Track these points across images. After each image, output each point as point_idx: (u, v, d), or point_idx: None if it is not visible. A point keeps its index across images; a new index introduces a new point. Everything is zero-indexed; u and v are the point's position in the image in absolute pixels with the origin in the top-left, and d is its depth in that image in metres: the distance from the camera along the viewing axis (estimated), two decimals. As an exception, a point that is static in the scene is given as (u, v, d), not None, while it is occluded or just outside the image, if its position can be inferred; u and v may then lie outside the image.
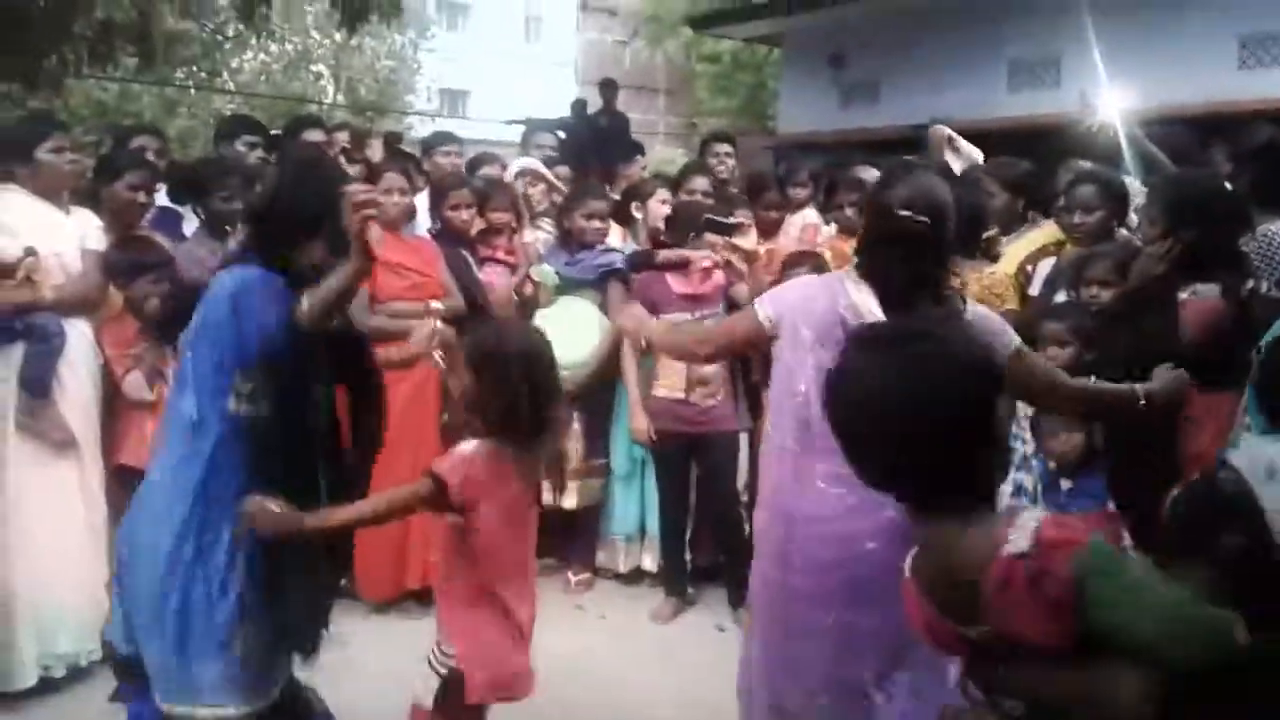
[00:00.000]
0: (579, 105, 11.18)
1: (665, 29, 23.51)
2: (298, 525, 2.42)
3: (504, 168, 5.76)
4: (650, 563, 4.90)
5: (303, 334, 2.55)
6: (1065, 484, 3.42)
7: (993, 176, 4.45)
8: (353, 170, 5.14)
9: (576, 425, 4.73)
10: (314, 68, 20.95)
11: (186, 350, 2.63)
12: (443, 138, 6.19)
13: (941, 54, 10.08)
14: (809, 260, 4.34)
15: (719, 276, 4.51)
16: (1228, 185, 3.61)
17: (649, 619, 4.57)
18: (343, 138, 6.53)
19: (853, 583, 2.47)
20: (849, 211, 4.85)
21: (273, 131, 5.97)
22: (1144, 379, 2.59)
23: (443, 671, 2.55)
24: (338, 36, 18.65)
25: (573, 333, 4.59)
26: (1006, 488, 3.66)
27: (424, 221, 5.07)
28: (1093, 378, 2.96)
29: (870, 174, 5.37)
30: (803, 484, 2.55)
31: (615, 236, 5.17)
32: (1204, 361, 2.90)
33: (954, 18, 9.63)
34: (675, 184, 5.28)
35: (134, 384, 3.86)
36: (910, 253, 2.46)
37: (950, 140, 4.77)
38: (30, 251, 3.70)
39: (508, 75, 27.73)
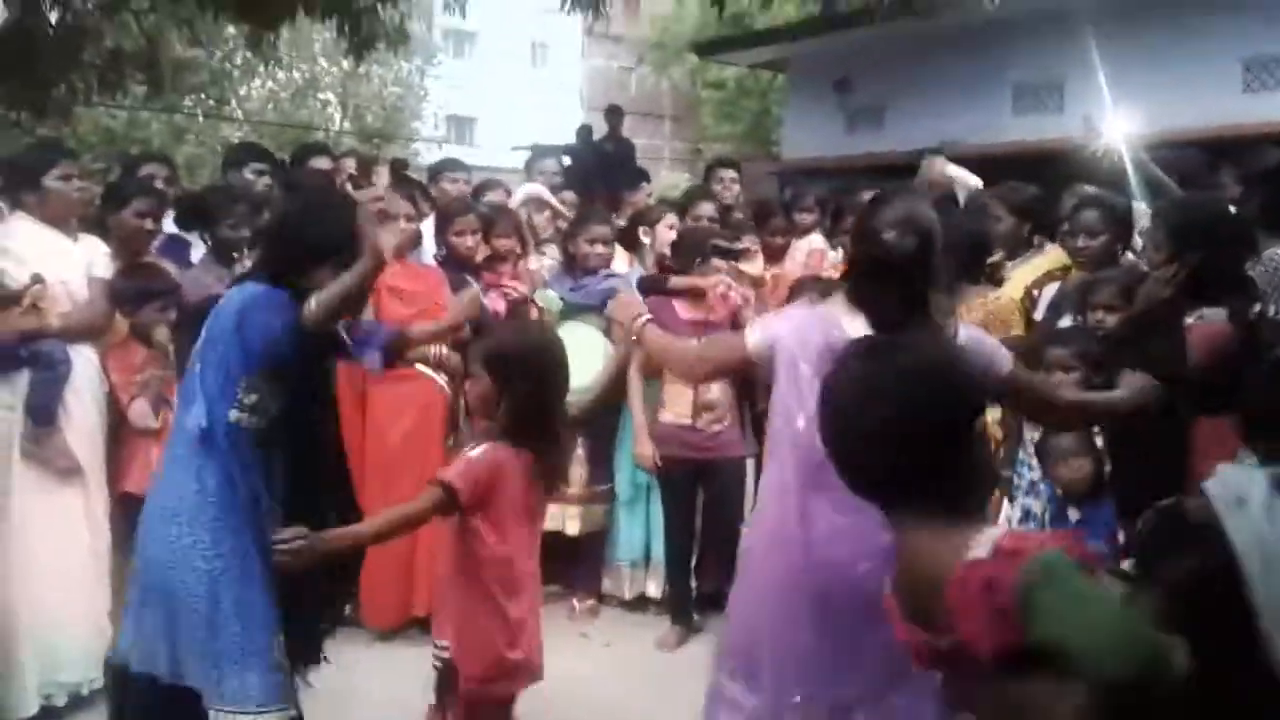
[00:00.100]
0: (584, 131, 11.23)
1: (671, 55, 23.71)
2: (323, 549, 2.42)
3: (509, 194, 5.78)
4: (655, 589, 4.88)
5: (309, 342, 2.56)
6: (1074, 514, 3.40)
7: (999, 201, 4.45)
8: (359, 197, 5.17)
9: (580, 450, 4.72)
10: (321, 95, 21.05)
11: (195, 364, 2.66)
12: (450, 164, 6.21)
13: (946, 79, 10.14)
14: (815, 285, 4.33)
15: (728, 302, 4.52)
16: (1232, 208, 3.60)
17: (655, 646, 4.54)
18: (350, 164, 6.55)
19: (846, 607, 2.45)
20: (855, 236, 4.85)
21: (279, 157, 6.00)
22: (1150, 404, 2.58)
23: (437, 665, 2.56)
24: (345, 64, 18.73)
25: (577, 358, 4.52)
26: (1015, 513, 3.64)
27: (430, 248, 5.09)
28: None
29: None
30: (801, 514, 2.54)
31: (622, 262, 5.18)
32: (1210, 386, 2.89)
33: (958, 43, 9.68)
34: (681, 209, 5.29)
35: (139, 411, 3.86)
36: (899, 278, 2.47)
37: (947, 170, 4.78)
38: (37, 279, 3.71)
39: (514, 102, 27.85)
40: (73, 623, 3.69)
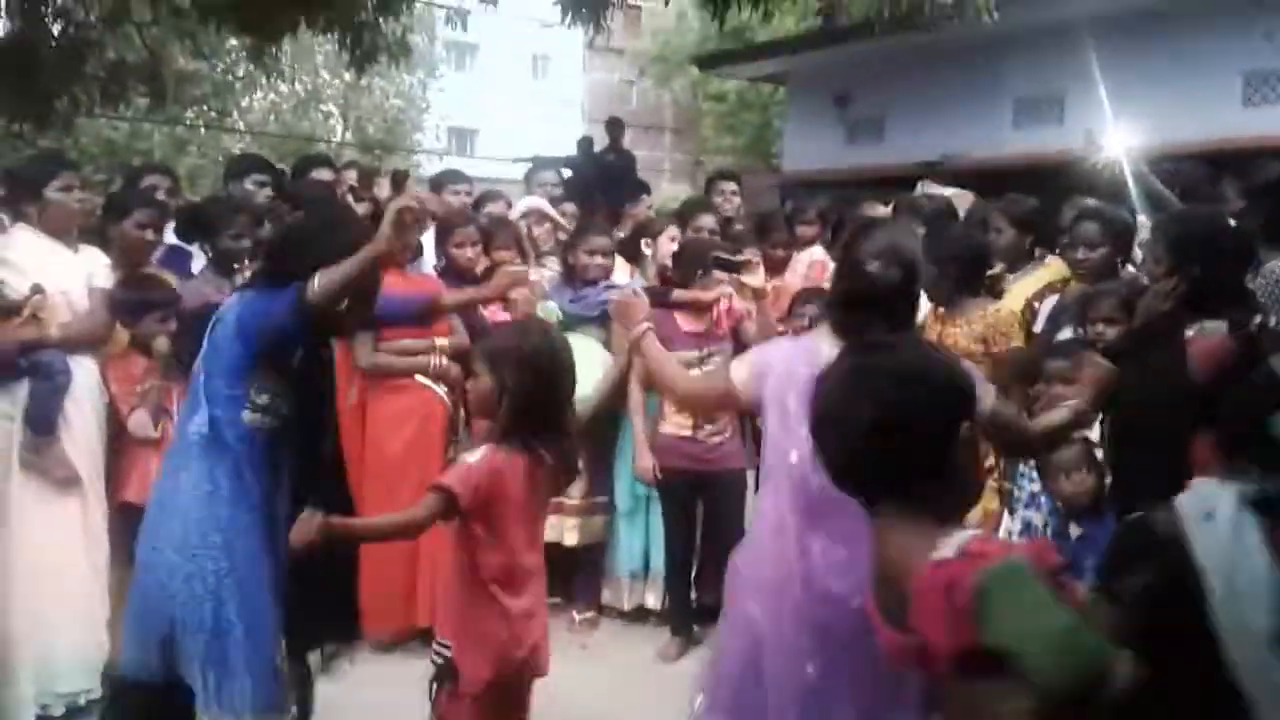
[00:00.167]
0: (585, 143, 11.24)
1: (672, 68, 23.79)
2: (324, 527, 2.41)
3: (509, 206, 5.79)
4: (654, 600, 4.87)
5: (310, 320, 2.55)
6: (1075, 530, 3.39)
7: (1000, 213, 4.46)
8: (360, 208, 5.17)
9: (580, 461, 4.71)
10: (323, 107, 21.12)
11: (199, 372, 2.66)
12: (452, 175, 6.23)
13: (947, 92, 10.16)
14: (816, 297, 4.33)
15: (731, 316, 4.52)
16: (1232, 221, 3.60)
17: (655, 658, 4.53)
18: (351, 176, 6.57)
19: (846, 639, 2.44)
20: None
21: (281, 169, 6.00)
22: (1150, 416, 2.58)
23: (439, 662, 2.55)
24: (347, 77, 18.81)
25: (576, 368, 4.58)
26: (1015, 525, 3.64)
27: (430, 259, 5.09)
28: (1099, 416, 2.94)
29: (879, 211, 5.41)
30: (800, 548, 2.53)
31: (623, 273, 5.18)
32: (1210, 399, 2.88)
33: (959, 57, 9.70)
34: (681, 220, 5.30)
35: (139, 422, 3.85)
36: (884, 309, 2.49)
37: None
38: (37, 289, 3.72)
39: (515, 114, 27.91)
40: (70, 632, 3.68)
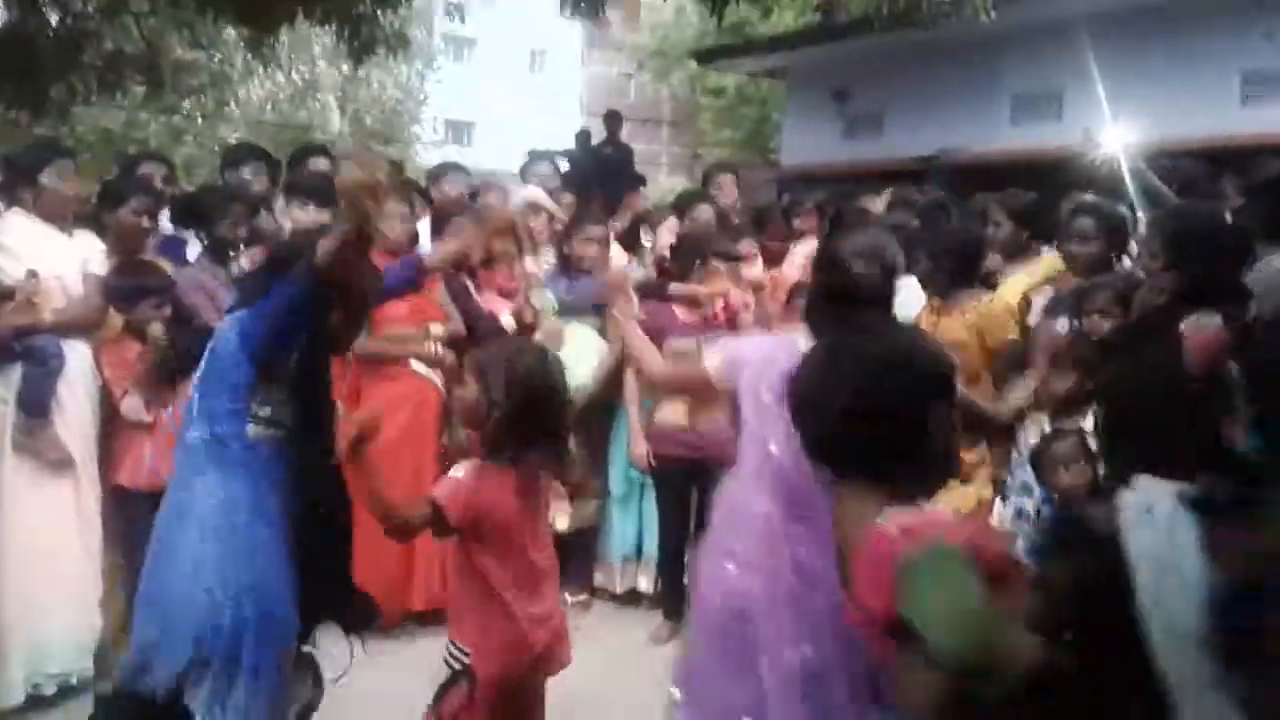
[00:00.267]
0: (583, 136, 11.22)
1: (670, 62, 23.77)
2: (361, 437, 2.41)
3: (507, 196, 5.78)
4: (646, 584, 4.90)
5: (320, 296, 2.54)
6: (1070, 519, 3.39)
7: (998, 206, 4.47)
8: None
9: (573, 448, 4.72)
10: (320, 98, 21.08)
11: (195, 390, 2.64)
12: (450, 167, 6.22)
13: (945, 87, 10.15)
14: (812, 289, 4.34)
15: (728, 309, 4.53)
16: (1228, 217, 3.60)
17: (647, 641, 4.55)
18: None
19: (825, 625, 2.44)
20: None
21: (277, 158, 5.99)
22: (1143, 407, 2.58)
23: (456, 666, 2.53)
24: (344, 68, 18.78)
25: (571, 357, 4.58)
26: (1008, 512, 3.64)
27: (426, 248, 5.08)
28: (1094, 408, 2.94)
29: (876, 204, 5.42)
30: (786, 537, 2.53)
31: (620, 263, 5.18)
32: (1204, 392, 2.88)
33: (957, 53, 9.68)
34: (679, 211, 5.31)
35: (132, 406, 3.85)
36: (862, 306, 2.50)
37: None
38: (32, 274, 3.72)
39: (513, 107, 27.91)
40: (63, 614, 3.69)
